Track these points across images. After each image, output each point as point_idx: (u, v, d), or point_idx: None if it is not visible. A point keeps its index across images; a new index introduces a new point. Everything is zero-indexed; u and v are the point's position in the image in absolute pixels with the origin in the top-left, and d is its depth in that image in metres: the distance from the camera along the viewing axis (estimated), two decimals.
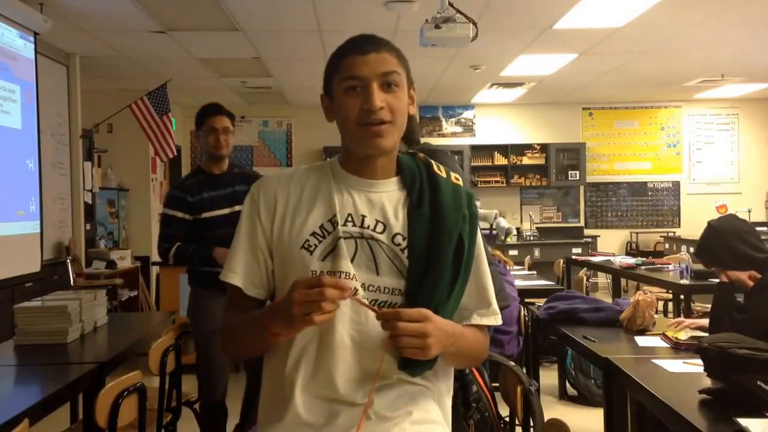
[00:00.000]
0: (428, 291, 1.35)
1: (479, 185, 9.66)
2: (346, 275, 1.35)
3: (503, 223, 5.63)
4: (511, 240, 6.44)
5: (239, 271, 1.43)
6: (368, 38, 1.40)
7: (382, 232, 1.38)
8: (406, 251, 1.37)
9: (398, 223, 1.39)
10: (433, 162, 1.49)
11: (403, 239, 1.38)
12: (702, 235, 2.81)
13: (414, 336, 1.24)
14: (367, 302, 1.32)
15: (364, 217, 1.39)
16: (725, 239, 2.71)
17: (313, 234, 1.38)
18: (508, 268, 4.14)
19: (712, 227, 2.79)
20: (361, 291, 1.35)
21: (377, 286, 1.36)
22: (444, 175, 1.47)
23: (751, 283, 2.60)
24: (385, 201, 1.41)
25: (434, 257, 1.37)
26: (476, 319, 1.45)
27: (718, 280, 2.84)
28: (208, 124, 3.36)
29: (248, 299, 1.44)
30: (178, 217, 3.32)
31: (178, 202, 3.33)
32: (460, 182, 1.48)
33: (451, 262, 1.38)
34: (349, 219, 1.39)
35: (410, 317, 1.25)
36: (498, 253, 3.86)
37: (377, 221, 1.39)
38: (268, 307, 1.35)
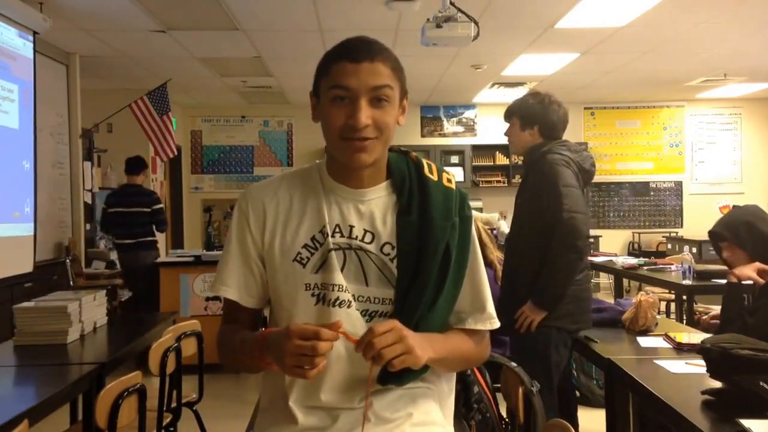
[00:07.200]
0: (412, 301, 1.33)
1: (480, 185, 9.64)
2: (339, 287, 1.33)
3: (504, 227, 5.67)
4: None
5: (232, 284, 1.41)
6: (364, 44, 1.32)
7: (370, 242, 1.36)
8: (395, 260, 1.35)
9: (387, 230, 1.36)
10: (424, 163, 1.44)
11: (392, 248, 1.35)
12: (726, 213, 3.01)
13: (392, 343, 1.19)
14: (348, 335, 1.24)
15: (352, 227, 1.36)
16: (748, 216, 2.84)
17: (305, 246, 1.36)
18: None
19: (737, 207, 3.05)
20: (353, 302, 1.33)
21: (367, 297, 1.35)
22: (435, 177, 1.42)
23: (758, 277, 2.57)
24: (374, 209, 1.38)
25: (421, 267, 1.34)
26: (470, 324, 1.43)
27: (722, 281, 2.84)
28: None
29: (244, 310, 1.43)
30: None
31: None
32: (452, 185, 1.43)
33: (436, 272, 1.34)
34: (337, 230, 1.36)
35: (380, 330, 1.19)
36: (498, 255, 3.82)
37: (365, 231, 1.36)
38: (261, 337, 1.29)
